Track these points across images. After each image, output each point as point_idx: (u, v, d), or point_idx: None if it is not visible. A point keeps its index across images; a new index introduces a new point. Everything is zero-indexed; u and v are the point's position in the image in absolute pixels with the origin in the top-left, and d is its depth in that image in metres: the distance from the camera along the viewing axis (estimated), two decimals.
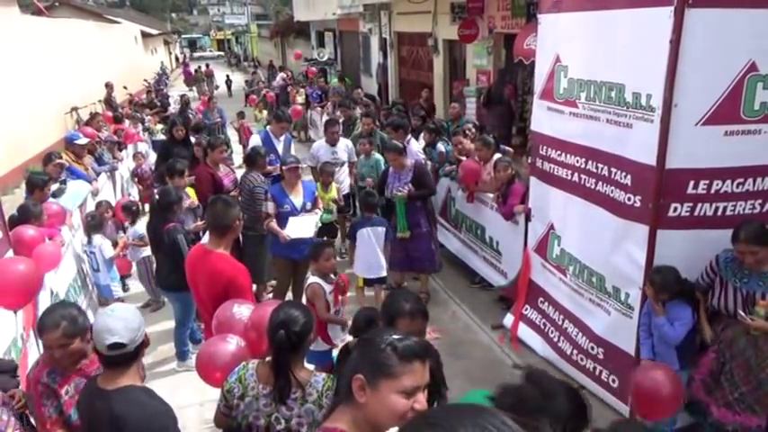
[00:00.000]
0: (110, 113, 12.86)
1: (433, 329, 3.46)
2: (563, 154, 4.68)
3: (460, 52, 12.65)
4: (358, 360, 1.73)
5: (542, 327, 5.22)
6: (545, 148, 4.91)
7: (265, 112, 13.85)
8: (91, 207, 6.70)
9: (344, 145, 7.37)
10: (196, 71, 28.65)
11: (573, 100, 4.46)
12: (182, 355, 5.26)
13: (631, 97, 3.86)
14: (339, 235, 7.34)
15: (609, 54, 4.04)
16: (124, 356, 2.33)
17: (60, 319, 2.60)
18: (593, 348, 4.58)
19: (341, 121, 9.21)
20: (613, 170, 4.11)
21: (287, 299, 5.52)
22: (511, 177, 5.84)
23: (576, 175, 4.54)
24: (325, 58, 21.66)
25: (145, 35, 33.25)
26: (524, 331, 5.42)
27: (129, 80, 21.61)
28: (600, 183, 4.27)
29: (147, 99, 16.59)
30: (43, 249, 4.53)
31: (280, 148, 7.20)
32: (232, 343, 2.93)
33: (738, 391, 3.60)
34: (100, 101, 16.77)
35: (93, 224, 5.98)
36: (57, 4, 27.11)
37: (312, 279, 4.28)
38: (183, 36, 69.49)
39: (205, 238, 3.83)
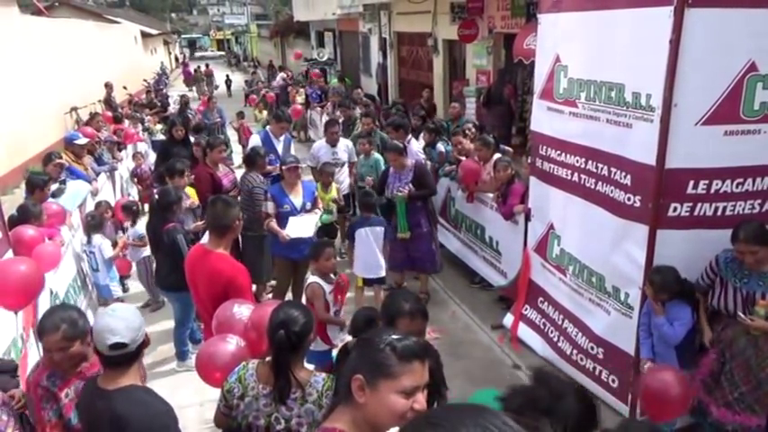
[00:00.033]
0: (109, 113, 12.86)
1: (433, 329, 3.47)
2: (563, 154, 4.68)
3: (460, 52, 12.65)
4: (357, 360, 1.74)
5: (542, 327, 5.22)
6: (545, 147, 4.91)
7: (265, 113, 13.84)
8: (90, 207, 6.70)
9: (345, 145, 7.36)
10: (195, 71, 28.65)
11: (573, 100, 4.46)
12: (181, 355, 5.26)
13: (631, 97, 3.86)
14: (339, 235, 7.34)
15: (609, 54, 4.04)
16: (125, 356, 2.33)
17: (60, 321, 2.58)
18: (592, 348, 4.58)
19: (340, 121, 9.22)
20: (613, 170, 4.10)
21: (287, 299, 5.52)
22: (510, 177, 5.84)
23: (575, 174, 4.54)
24: (324, 58, 21.67)
25: (144, 35, 33.24)
26: (524, 331, 5.41)
27: (128, 80, 21.61)
28: (600, 183, 4.27)
29: (146, 99, 16.59)
30: (43, 249, 4.53)
31: (279, 148, 7.20)
32: (232, 343, 2.93)
33: (738, 390, 3.60)
34: (99, 101, 16.77)
35: (93, 224, 5.98)
36: (56, 4, 27.11)
37: (312, 279, 4.28)
38: (183, 36, 69.47)
39: (205, 238, 3.83)
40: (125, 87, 20.02)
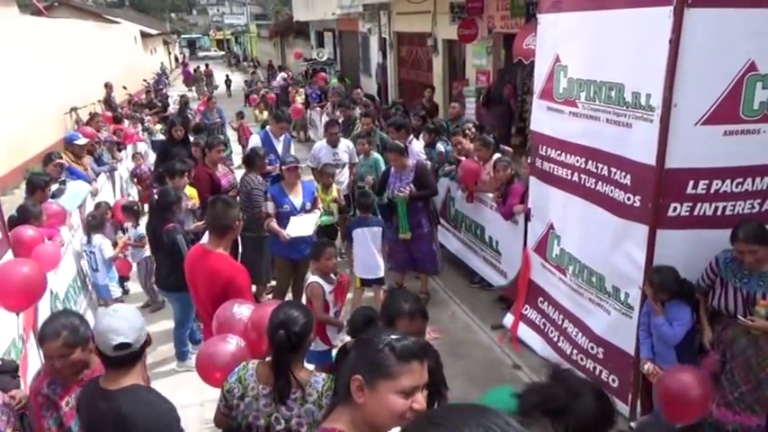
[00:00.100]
0: (109, 114, 12.86)
1: (433, 329, 3.46)
2: (563, 154, 4.68)
3: (460, 52, 12.65)
4: (356, 360, 1.73)
5: (542, 326, 5.22)
6: (545, 147, 4.91)
7: (266, 113, 13.84)
8: (90, 207, 6.69)
9: (345, 146, 7.35)
10: (195, 71, 28.65)
11: (572, 100, 4.46)
12: (181, 356, 5.26)
13: (631, 97, 3.86)
14: (339, 235, 7.34)
15: (608, 54, 4.04)
16: (129, 356, 2.33)
17: (61, 328, 2.56)
18: (592, 348, 4.58)
19: (340, 121, 9.21)
20: (613, 170, 4.11)
21: (287, 299, 5.52)
22: (510, 177, 5.84)
23: (575, 174, 4.54)
24: (324, 59, 21.67)
25: (144, 35, 33.22)
26: (524, 331, 5.42)
27: (128, 80, 21.61)
28: (599, 182, 4.27)
29: (146, 99, 16.59)
30: (43, 250, 4.53)
31: (279, 148, 7.20)
32: (232, 343, 2.93)
33: (738, 390, 3.60)
34: (99, 101, 16.77)
35: (94, 224, 5.97)
36: (56, 4, 27.09)
37: (312, 278, 4.28)
38: (183, 36, 69.47)
39: (205, 239, 3.83)
40: (125, 87, 20.03)
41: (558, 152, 4.73)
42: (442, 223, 7.01)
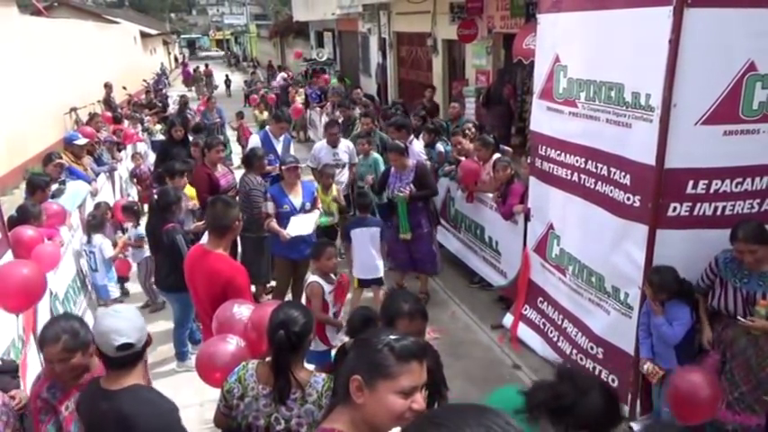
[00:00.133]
0: (109, 114, 12.86)
1: (433, 330, 3.46)
2: (562, 154, 4.68)
3: (460, 52, 12.66)
4: (355, 361, 1.73)
5: (542, 326, 5.22)
6: (544, 147, 4.91)
7: (266, 113, 13.84)
8: (90, 208, 6.69)
9: (345, 146, 7.33)
10: (195, 71, 28.66)
11: (572, 100, 4.46)
12: (181, 356, 5.26)
13: (631, 97, 3.86)
14: (339, 235, 7.34)
15: (608, 54, 4.04)
16: (131, 356, 2.33)
17: (62, 332, 2.53)
18: (592, 348, 4.58)
19: (340, 121, 9.21)
20: (613, 170, 4.11)
21: (286, 299, 5.52)
22: (510, 177, 5.84)
23: (575, 174, 4.54)
24: (324, 59, 21.68)
25: (144, 35, 33.22)
26: (524, 331, 5.42)
27: (128, 80, 21.62)
28: (599, 182, 4.27)
29: (146, 99, 16.59)
30: (42, 250, 4.53)
31: (279, 148, 7.21)
32: (232, 343, 2.93)
33: (738, 390, 3.60)
34: (99, 101, 16.78)
35: (94, 224, 5.98)
36: (56, 4, 27.08)
37: (312, 278, 4.28)
38: (183, 36, 69.46)
39: (204, 239, 3.83)
40: (124, 87, 20.05)
41: (558, 152, 4.73)
42: (441, 223, 7.01)
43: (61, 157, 6.85)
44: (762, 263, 3.50)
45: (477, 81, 11.52)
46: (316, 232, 5.79)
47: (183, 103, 12.90)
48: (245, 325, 3.02)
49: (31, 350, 3.90)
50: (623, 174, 4.01)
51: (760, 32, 3.41)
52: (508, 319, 5.68)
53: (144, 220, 6.44)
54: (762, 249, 3.46)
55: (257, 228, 5.66)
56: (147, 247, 5.99)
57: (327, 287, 4.25)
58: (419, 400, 1.66)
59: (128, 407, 2.26)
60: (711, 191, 3.70)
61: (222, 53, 61.31)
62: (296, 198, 5.57)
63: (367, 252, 5.56)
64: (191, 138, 8.82)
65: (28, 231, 4.60)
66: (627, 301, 4.18)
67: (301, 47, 27.38)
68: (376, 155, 7.17)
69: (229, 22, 67.35)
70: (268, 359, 2.49)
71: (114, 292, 6.09)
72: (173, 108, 14.85)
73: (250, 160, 6.13)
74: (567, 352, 4.85)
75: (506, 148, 7.71)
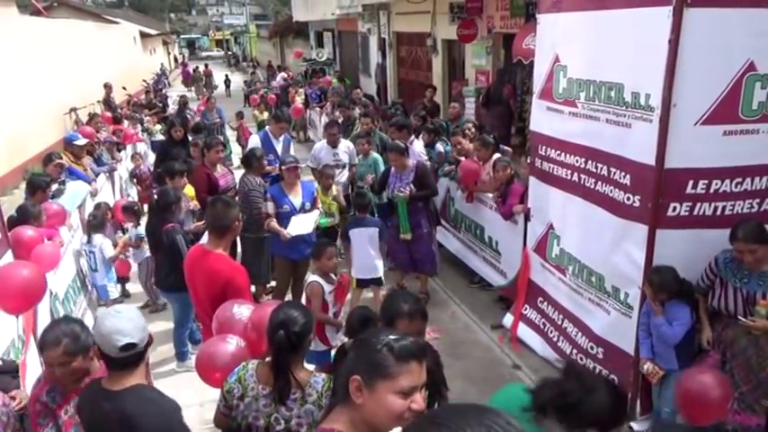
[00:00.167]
0: (108, 114, 12.86)
1: (433, 330, 3.46)
2: (562, 154, 4.68)
3: (459, 52, 12.66)
4: (354, 361, 1.73)
5: (542, 326, 5.22)
6: (544, 147, 4.92)
7: (266, 114, 13.84)
8: (90, 208, 6.69)
9: (346, 146, 7.33)
10: (194, 71, 28.66)
11: (572, 100, 4.46)
12: (181, 356, 5.26)
13: (630, 97, 3.86)
14: (339, 235, 7.33)
15: (608, 54, 4.04)
16: (134, 357, 2.33)
17: (62, 336, 2.51)
18: (592, 348, 4.58)
19: (339, 121, 9.21)
20: (613, 170, 4.11)
21: (286, 299, 5.52)
22: (510, 177, 5.84)
23: (575, 174, 4.54)
24: (323, 59, 21.68)
25: (143, 35, 33.22)
26: (524, 331, 5.42)
27: (127, 80, 21.62)
28: (599, 182, 4.27)
29: (145, 100, 16.59)
30: (42, 250, 4.53)
31: (279, 148, 7.21)
32: (232, 343, 2.93)
33: (738, 390, 3.60)
34: (99, 101, 16.78)
35: (95, 224, 5.98)
36: (55, 4, 27.08)
37: (312, 278, 4.28)
38: (182, 36, 69.46)
39: (204, 239, 3.83)
40: (124, 88, 20.05)
41: (558, 152, 4.73)
42: (441, 223, 7.01)
43: (61, 158, 6.85)
44: (761, 262, 3.51)
45: (476, 81, 11.52)
46: (316, 233, 5.78)
47: (183, 103, 12.90)
48: (245, 325, 3.01)
49: (31, 350, 3.90)
50: (623, 174, 4.01)
51: (759, 32, 3.41)
52: (508, 319, 5.68)
53: (144, 221, 6.45)
54: (761, 249, 3.46)
55: (257, 228, 5.66)
56: (147, 247, 5.99)
57: (327, 287, 4.25)
58: (418, 401, 1.66)
59: (131, 407, 2.26)
60: (711, 191, 3.70)
61: (223, 53, 61.34)
62: (296, 198, 5.57)
63: (365, 252, 5.55)
64: (190, 138, 8.82)
65: (28, 231, 4.60)
66: (627, 300, 4.18)
67: (301, 47, 27.39)
68: (375, 155, 7.17)
69: (229, 22, 67.37)
70: (268, 359, 2.49)
71: (113, 292, 6.08)
72: (172, 108, 14.84)
73: (249, 161, 6.13)
74: (567, 352, 4.85)
75: (506, 148, 7.71)
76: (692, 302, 3.81)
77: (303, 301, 4.38)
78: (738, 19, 3.42)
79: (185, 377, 4.84)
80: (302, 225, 5.43)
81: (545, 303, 5.22)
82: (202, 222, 5.19)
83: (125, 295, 6.65)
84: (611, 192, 4.15)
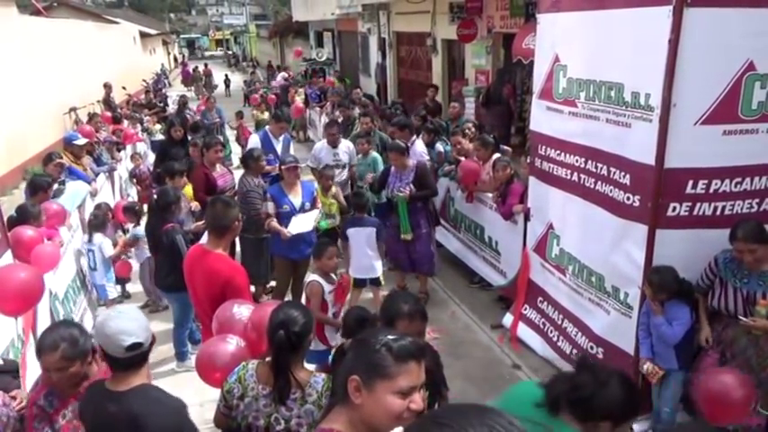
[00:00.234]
0: (108, 114, 12.86)
1: (433, 329, 3.46)
2: (562, 153, 4.68)
3: (459, 52, 12.66)
4: (353, 361, 1.73)
5: (542, 326, 5.22)
6: (544, 147, 4.92)
7: (267, 114, 13.84)
8: (90, 208, 6.69)
9: (346, 146, 7.32)
10: (194, 70, 28.66)
11: (572, 99, 4.46)
12: (181, 356, 5.26)
13: (630, 97, 3.86)
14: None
15: (608, 53, 4.05)
16: (140, 356, 2.32)
17: (60, 340, 2.45)
18: (592, 348, 4.58)
19: (339, 121, 9.21)
20: (612, 170, 4.11)
21: (286, 299, 5.52)
22: (510, 177, 5.84)
23: (575, 174, 4.54)
24: (323, 58, 21.68)
25: (143, 35, 33.21)
26: (524, 331, 5.42)
27: (127, 80, 21.62)
28: (599, 182, 4.27)
29: (145, 99, 16.59)
30: (42, 250, 4.53)
31: (278, 148, 7.20)
32: (232, 343, 2.93)
33: None
34: (98, 101, 16.77)
35: (96, 223, 5.99)
36: (55, 4, 27.07)
37: (313, 277, 4.28)
38: (182, 36, 69.43)
39: (204, 239, 3.83)
40: (124, 88, 20.05)
41: (558, 152, 4.73)
42: (441, 223, 7.01)
43: (61, 157, 6.85)
44: (761, 262, 3.51)
45: (476, 81, 11.52)
46: (317, 233, 5.78)
47: (183, 103, 12.90)
48: (245, 325, 3.02)
49: (31, 350, 3.90)
50: (623, 173, 4.01)
51: (759, 32, 3.41)
52: (508, 319, 5.68)
53: (144, 221, 6.44)
54: (761, 249, 3.46)
55: (255, 229, 5.66)
56: (146, 247, 5.99)
57: (327, 287, 4.25)
58: (417, 401, 1.66)
59: (138, 407, 2.25)
60: (711, 191, 3.70)
61: (224, 53, 61.29)
62: (296, 198, 5.57)
63: (363, 252, 5.55)
64: (190, 138, 8.82)
65: (28, 232, 4.60)
66: (627, 300, 4.18)
67: (301, 47, 27.39)
68: (375, 154, 7.16)
69: (229, 22, 67.34)
70: (268, 359, 2.49)
71: (112, 292, 6.07)
72: (172, 108, 14.84)
73: (246, 161, 6.13)
74: (567, 352, 4.85)
75: (506, 147, 7.71)
76: (691, 302, 3.81)
77: (303, 300, 4.38)
78: (738, 19, 3.43)
79: (185, 377, 4.84)
80: (302, 224, 5.43)
81: (545, 303, 5.22)
82: (202, 222, 5.19)
83: (125, 296, 6.64)
84: (610, 192, 4.15)
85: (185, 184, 6.03)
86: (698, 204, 3.74)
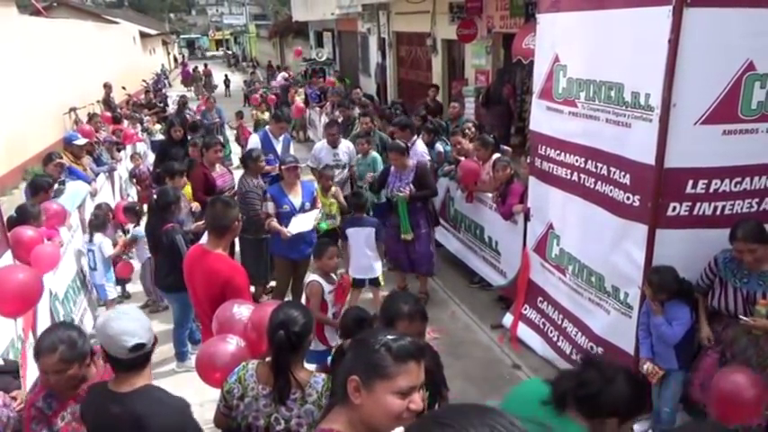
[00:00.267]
0: (108, 114, 12.86)
1: (433, 329, 3.46)
2: (562, 153, 4.68)
3: (459, 52, 12.66)
4: (352, 361, 1.73)
5: (542, 326, 5.22)
6: (544, 147, 4.92)
7: (267, 114, 13.84)
8: (89, 208, 6.69)
9: (346, 147, 7.31)
10: (194, 70, 28.66)
11: (572, 99, 4.46)
12: (181, 356, 5.26)
13: (630, 97, 3.86)
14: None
15: (608, 53, 4.05)
16: (143, 357, 2.32)
17: (58, 342, 2.44)
18: (592, 348, 4.58)
19: (339, 121, 9.21)
20: (612, 169, 4.11)
21: (286, 299, 5.52)
22: (510, 177, 5.84)
23: (575, 174, 4.54)
24: (323, 59, 21.67)
25: (143, 35, 33.21)
26: (524, 331, 5.42)
27: (127, 80, 21.61)
28: (599, 182, 4.27)
29: (145, 99, 16.59)
30: (42, 250, 4.52)
31: (278, 148, 7.20)
32: (232, 343, 2.93)
33: None
34: (98, 101, 16.77)
35: (97, 223, 5.99)
36: (55, 4, 27.07)
37: (312, 277, 4.28)
38: (182, 36, 69.42)
39: (204, 239, 3.83)
40: (124, 88, 20.04)
41: (558, 152, 4.73)
42: (441, 223, 7.01)
43: (61, 157, 6.85)
44: (761, 262, 3.51)
45: (476, 81, 11.52)
46: (317, 234, 5.77)
47: (182, 103, 12.90)
48: (245, 325, 3.02)
49: (31, 350, 3.90)
50: (623, 173, 4.01)
51: (759, 32, 3.41)
52: (508, 319, 5.68)
53: (144, 221, 6.44)
54: (761, 248, 3.46)
55: (254, 230, 5.66)
56: (146, 247, 5.99)
57: (327, 287, 4.25)
58: (417, 401, 1.66)
59: (142, 408, 2.25)
60: (711, 190, 3.70)
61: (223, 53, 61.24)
62: (296, 198, 5.57)
63: (361, 252, 5.55)
64: (189, 138, 8.81)
65: (28, 232, 4.59)
66: (627, 300, 4.18)
67: (301, 47, 27.39)
68: (375, 154, 7.16)
69: (229, 22, 67.33)
70: (268, 359, 2.49)
71: (112, 292, 6.07)
72: (172, 108, 14.84)
73: (245, 162, 6.14)
74: (567, 352, 4.85)
75: (506, 147, 7.71)
76: (691, 302, 3.81)
77: (303, 300, 4.38)
78: (738, 19, 3.43)
79: (185, 377, 4.84)
80: (302, 224, 5.43)
81: (545, 303, 5.22)
82: (202, 222, 5.19)
83: (125, 296, 6.64)
84: (610, 191, 4.15)
85: (185, 184, 6.04)
86: (698, 204, 3.74)
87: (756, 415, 3.24)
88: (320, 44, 24.86)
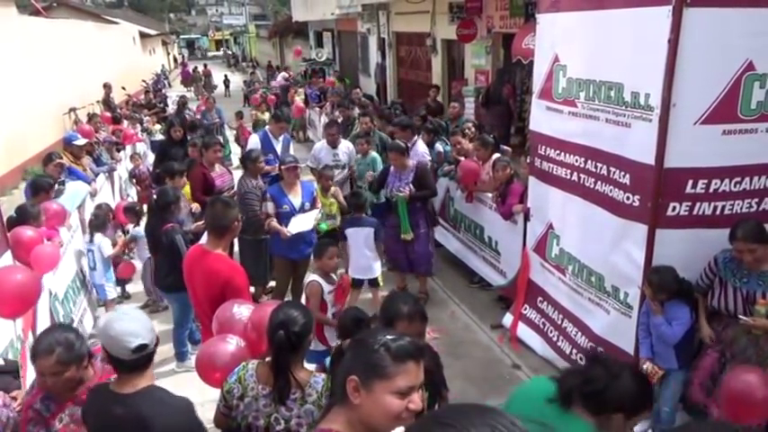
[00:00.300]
0: (108, 114, 12.86)
1: (433, 329, 3.46)
2: (562, 153, 4.68)
3: (459, 52, 12.66)
4: (352, 361, 1.73)
5: (542, 326, 5.22)
6: (544, 147, 4.92)
7: (267, 114, 13.83)
8: (89, 208, 6.69)
9: (345, 147, 7.30)
10: (194, 71, 28.67)
11: (572, 99, 4.46)
12: (181, 356, 5.25)
13: (630, 97, 3.86)
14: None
15: (607, 53, 4.05)
16: (146, 357, 2.31)
17: (55, 344, 2.42)
18: (592, 348, 4.58)
19: (339, 121, 9.21)
20: (612, 169, 4.11)
21: (286, 299, 5.51)
22: (509, 177, 5.84)
23: (574, 174, 4.54)
24: (323, 59, 21.68)
25: (143, 36, 33.20)
26: (524, 331, 5.42)
27: (127, 81, 21.60)
28: (599, 182, 4.27)
29: (145, 100, 16.59)
30: (41, 250, 4.52)
31: (278, 148, 7.20)
32: (232, 343, 2.93)
33: None
34: (98, 101, 16.77)
35: (97, 223, 5.99)
36: (55, 4, 27.07)
37: (312, 277, 4.28)
38: (182, 36, 69.39)
39: (204, 239, 3.83)
40: (124, 88, 20.03)
41: (558, 152, 4.73)
42: (441, 223, 7.01)
43: (61, 158, 6.85)
44: (761, 262, 3.51)
45: (476, 81, 11.52)
46: (317, 234, 5.77)
47: (182, 103, 12.90)
48: (245, 325, 3.02)
49: (30, 350, 3.90)
50: (623, 173, 4.01)
51: (758, 32, 3.42)
52: (508, 319, 5.68)
53: (144, 221, 6.44)
54: (761, 248, 3.46)
55: (254, 230, 5.65)
56: (146, 247, 5.99)
57: (327, 287, 4.25)
58: (416, 401, 1.66)
59: (146, 409, 2.24)
60: (710, 190, 3.71)
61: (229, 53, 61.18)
62: (295, 198, 5.57)
63: (360, 252, 5.55)
64: (189, 137, 8.81)
65: (27, 232, 4.59)
66: (626, 300, 4.18)
67: (300, 47, 27.39)
68: (374, 154, 7.15)
69: (228, 22, 67.31)
70: (268, 359, 2.49)
71: (111, 292, 6.06)
72: (172, 108, 14.84)
73: (245, 163, 6.14)
74: (567, 351, 4.85)
75: (506, 147, 7.71)
76: (691, 302, 3.81)
77: (303, 300, 4.38)
78: (737, 19, 3.43)
79: (185, 377, 4.84)
80: (302, 223, 5.43)
81: (545, 303, 5.22)
82: (202, 222, 5.19)
83: (125, 296, 6.64)
84: (610, 191, 4.15)
85: (185, 185, 6.03)
86: (697, 204, 3.74)
87: (767, 414, 3.23)
88: (320, 44, 24.86)
